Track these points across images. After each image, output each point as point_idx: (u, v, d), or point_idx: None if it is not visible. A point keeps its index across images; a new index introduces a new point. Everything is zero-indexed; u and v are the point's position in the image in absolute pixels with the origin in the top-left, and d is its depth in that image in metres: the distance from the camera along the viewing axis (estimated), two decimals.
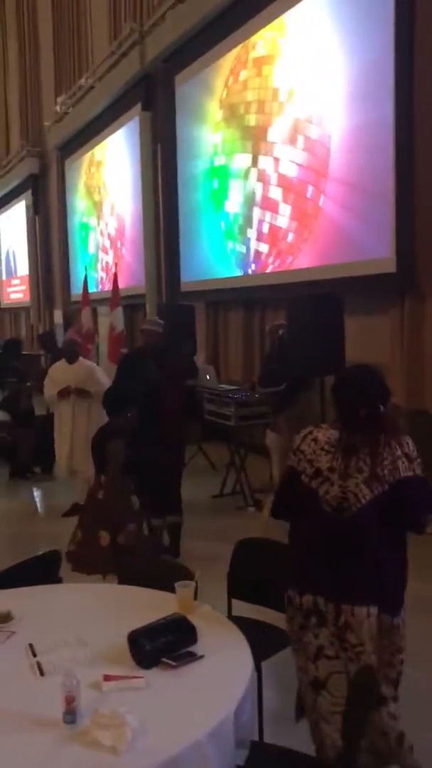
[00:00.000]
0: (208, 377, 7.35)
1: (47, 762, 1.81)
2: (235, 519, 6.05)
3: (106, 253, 13.04)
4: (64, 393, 6.20)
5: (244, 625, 2.57)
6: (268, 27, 7.68)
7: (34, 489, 7.76)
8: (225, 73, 8.60)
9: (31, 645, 2.39)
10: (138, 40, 10.30)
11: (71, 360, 6.36)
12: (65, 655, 2.31)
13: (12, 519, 6.85)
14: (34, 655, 2.33)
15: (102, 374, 6.51)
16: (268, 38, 7.72)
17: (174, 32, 9.28)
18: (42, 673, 2.23)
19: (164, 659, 2.25)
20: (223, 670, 2.24)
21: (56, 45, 14.84)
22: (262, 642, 2.71)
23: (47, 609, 2.73)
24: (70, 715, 1.94)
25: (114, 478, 3.96)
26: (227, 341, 9.20)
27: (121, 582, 3.08)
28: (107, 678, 2.15)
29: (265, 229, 7.92)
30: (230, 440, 6.72)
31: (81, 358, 6.49)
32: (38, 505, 7.44)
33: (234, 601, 3.22)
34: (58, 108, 14.17)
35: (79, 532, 3.94)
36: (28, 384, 8.24)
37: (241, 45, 8.23)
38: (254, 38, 7.96)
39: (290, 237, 7.49)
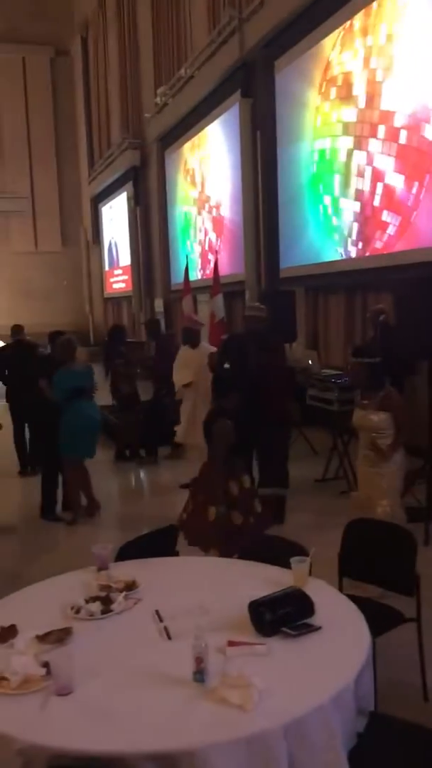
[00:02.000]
0: (310, 362, 7.37)
1: (181, 715, 1.95)
2: (340, 502, 6.07)
3: (207, 241, 13.21)
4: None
5: (357, 602, 2.63)
6: (371, 5, 7.53)
7: (141, 471, 8.03)
8: (325, 56, 8.52)
9: (157, 611, 2.55)
10: (237, 27, 10.34)
11: (194, 345, 6.66)
12: (189, 621, 2.45)
13: (118, 499, 7.14)
14: (161, 621, 2.49)
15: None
16: (372, 16, 7.58)
17: (273, 17, 9.27)
18: (170, 637, 2.38)
19: (284, 629, 2.35)
20: (341, 641, 2.32)
21: (155, 37, 15.08)
22: (375, 619, 2.75)
23: (170, 579, 2.89)
24: (200, 674, 2.07)
25: (219, 457, 4.08)
26: (328, 326, 9.17)
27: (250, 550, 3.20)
28: (231, 643, 2.27)
29: (368, 212, 7.82)
30: (333, 425, 6.72)
31: (203, 342, 6.82)
32: (144, 485, 7.73)
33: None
34: (158, 99, 14.42)
35: (190, 503, 4.11)
36: (132, 369, 8.52)
37: (341, 27, 8.11)
38: (355, 20, 7.83)
39: (395, 219, 7.36)
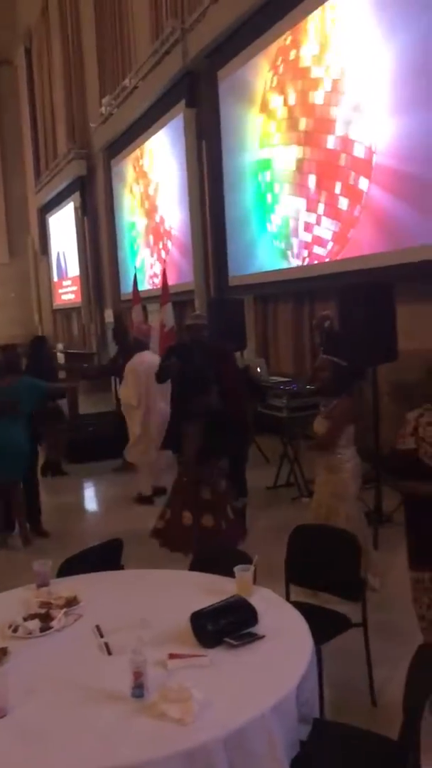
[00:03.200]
0: (259, 370, 7.38)
1: (118, 731, 1.90)
2: (290, 510, 6.09)
3: (154, 250, 13.18)
4: None
5: (303, 609, 2.62)
6: (309, 18, 7.65)
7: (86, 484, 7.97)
8: (267, 66, 8.61)
9: (97, 626, 2.50)
10: (180, 37, 10.36)
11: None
12: (131, 635, 2.40)
13: (62, 514, 7.03)
14: (101, 636, 2.44)
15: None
16: (309, 29, 7.69)
17: (215, 28, 9.32)
18: (110, 653, 2.33)
19: (226, 639, 2.32)
20: (284, 649, 2.30)
21: (99, 46, 15.03)
22: (321, 625, 2.75)
23: (112, 593, 2.83)
24: (138, 689, 2.03)
25: (190, 460, 4.04)
26: (276, 334, 9.23)
27: (195, 561, 3.17)
28: (172, 656, 2.23)
29: (312, 219, 7.91)
30: (283, 432, 6.74)
31: (148, 352, 6.78)
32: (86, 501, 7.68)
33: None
34: (103, 109, 14.35)
35: (168, 511, 4.06)
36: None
37: (282, 36, 8.22)
38: (296, 29, 7.94)
39: (337, 227, 7.46)
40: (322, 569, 3.20)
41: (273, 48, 8.44)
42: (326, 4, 7.33)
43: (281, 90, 8.36)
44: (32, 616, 2.54)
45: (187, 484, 3.98)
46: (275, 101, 8.51)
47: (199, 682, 2.04)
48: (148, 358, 6.79)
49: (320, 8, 7.44)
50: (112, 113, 13.99)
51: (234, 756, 1.88)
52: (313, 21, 7.61)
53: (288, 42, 8.15)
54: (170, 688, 2.00)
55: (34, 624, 2.48)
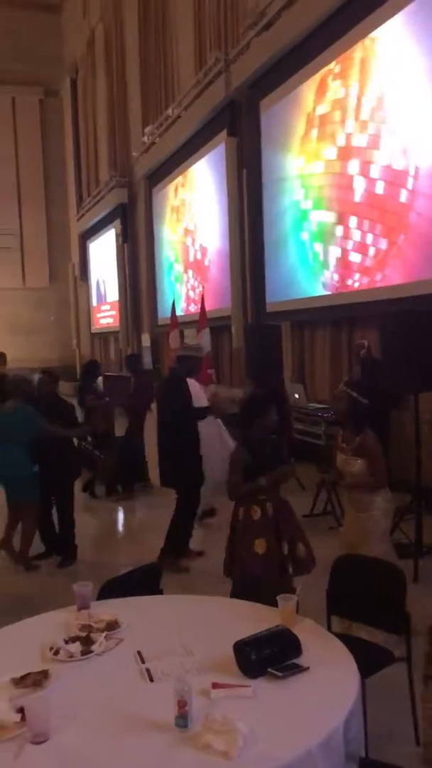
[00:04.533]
0: (297, 396, 7.34)
1: (161, 763, 1.86)
2: (327, 539, 5.98)
3: (193, 276, 13.28)
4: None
5: (345, 641, 2.56)
6: (351, 49, 7.72)
7: (119, 508, 7.95)
8: (310, 96, 8.68)
9: (139, 652, 2.46)
10: (223, 68, 10.54)
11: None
12: (173, 662, 2.37)
13: (99, 537, 7.02)
14: (143, 662, 2.40)
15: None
16: (352, 60, 7.75)
17: (259, 59, 9.46)
18: (152, 679, 2.29)
19: (270, 670, 2.27)
20: (330, 683, 2.24)
21: (143, 77, 15.36)
22: (364, 659, 2.68)
23: (152, 618, 2.80)
24: (182, 719, 1.98)
25: (237, 484, 3.96)
26: (314, 360, 9.18)
27: (235, 588, 3.12)
28: (215, 686, 2.19)
29: (351, 246, 7.89)
30: (320, 459, 6.66)
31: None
32: (125, 523, 7.65)
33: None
34: (145, 138, 14.62)
35: (237, 548, 3.94)
36: (108, 404, 8.45)
37: (325, 68, 8.29)
38: (338, 61, 8.01)
39: (378, 254, 7.43)
40: (366, 601, 3.13)
41: (316, 79, 8.51)
42: (370, 35, 7.38)
43: (323, 119, 8.42)
44: (73, 639, 2.51)
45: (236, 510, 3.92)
46: (317, 131, 8.56)
47: (243, 714, 1.99)
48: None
49: (363, 40, 7.50)
50: (154, 142, 14.24)
51: None
52: (356, 52, 7.67)
53: (331, 73, 8.21)
54: (214, 719, 1.96)
55: (76, 647, 2.46)
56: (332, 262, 8.32)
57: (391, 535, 5.38)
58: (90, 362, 10.22)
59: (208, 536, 6.55)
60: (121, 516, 7.86)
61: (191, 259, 13.28)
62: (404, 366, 5.14)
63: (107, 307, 19.63)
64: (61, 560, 5.88)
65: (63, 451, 5.81)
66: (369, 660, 2.82)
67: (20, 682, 2.24)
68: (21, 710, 2.03)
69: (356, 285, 7.87)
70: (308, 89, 8.70)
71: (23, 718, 2.01)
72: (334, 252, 8.25)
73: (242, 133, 10.52)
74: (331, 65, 8.16)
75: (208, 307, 10.15)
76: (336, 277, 8.27)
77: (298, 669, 2.28)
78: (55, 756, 1.90)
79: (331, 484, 6.47)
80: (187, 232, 13.46)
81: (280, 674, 2.24)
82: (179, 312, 11.91)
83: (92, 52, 19.54)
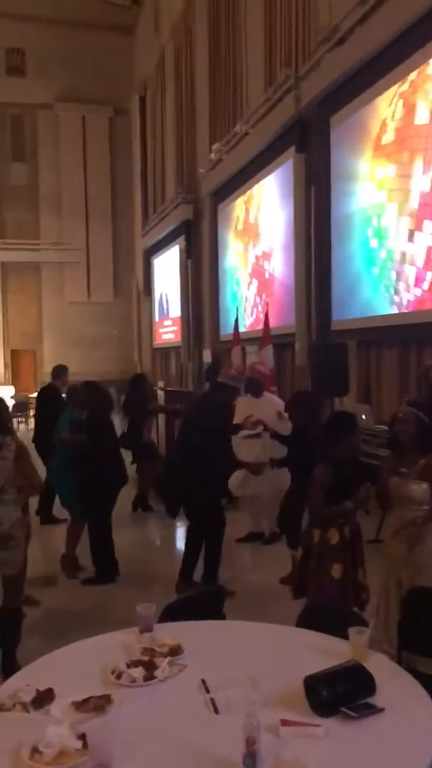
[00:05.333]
0: (363, 417, 7.14)
1: None
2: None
3: (256, 293, 13.22)
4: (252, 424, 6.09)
5: (419, 679, 2.40)
6: (427, 64, 7.55)
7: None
8: (382, 111, 8.54)
9: (203, 680, 2.35)
10: (293, 85, 10.50)
11: (257, 394, 6.53)
12: (238, 694, 2.25)
13: (151, 554, 6.95)
14: (207, 692, 2.30)
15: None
16: (427, 75, 7.58)
17: (331, 75, 9.37)
18: (217, 711, 2.18)
19: (343, 709, 2.13)
20: (408, 725, 2.09)
21: (212, 94, 15.49)
22: None
23: (217, 644, 2.69)
24: (251, 758, 1.86)
25: (320, 503, 3.81)
26: (380, 381, 8.96)
27: (301, 617, 2.99)
28: (285, 723, 2.06)
29: (423, 264, 7.68)
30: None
31: (266, 393, 6.67)
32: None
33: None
34: (212, 155, 14.70)
35: (309, 572, 3.80)
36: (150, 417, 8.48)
37: (398, 84, 8.15)
38: (412, 76, 7.85)
39: None
40: None
41: (388, 95, 8.37)
42: None
43: (396, 136, 8.26)
44: (135, 663, 2.42)
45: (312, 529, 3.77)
46: (389, 147, 8.40)
47: (315, 756, 1.87)
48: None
49: None
50: (221, 159, 14.30)
51: None
52: (430, 67, 7.51)
53: (404, 89, 8.06)
54: (285, 760, 1.84)
55: (138, 672, 2.37)
56: (402, 279, 8.12)
57: None
58: (137, 375, 10.20)
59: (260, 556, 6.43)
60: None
61: (255, 275, 13.23)
62: None
63: (169, 322, 19.76)
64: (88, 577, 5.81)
65: (91, 463, 5.73)
66: None
67: (81, 706, 2.16)
68: (82, 737, 1.96)
69: (427, 305, 7.63)
70: (381, 105, 8.56)
71: (85, 745, 1.93)
72: (405, 270, 8.04)
73: (311, 149, 10.43)
74: (404, 80, 8.01)
75: (271, 324, 10.07)
76: (406, 295, 8.06)
77: (374, 709, 2.14)
78: None
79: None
80: (252, 248, 13.42)
81: (354, 714, 2.10)
82: (242, 328, 11.86)
83: (162, 70, 19.85)
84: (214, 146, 14.57)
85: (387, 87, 8.36)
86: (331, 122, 9.88)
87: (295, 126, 10.75)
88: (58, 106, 22.90)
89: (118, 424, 7.97)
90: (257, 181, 12.78)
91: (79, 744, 1.94)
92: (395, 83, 8.18)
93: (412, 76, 7.85)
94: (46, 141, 23.24)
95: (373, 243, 8.79)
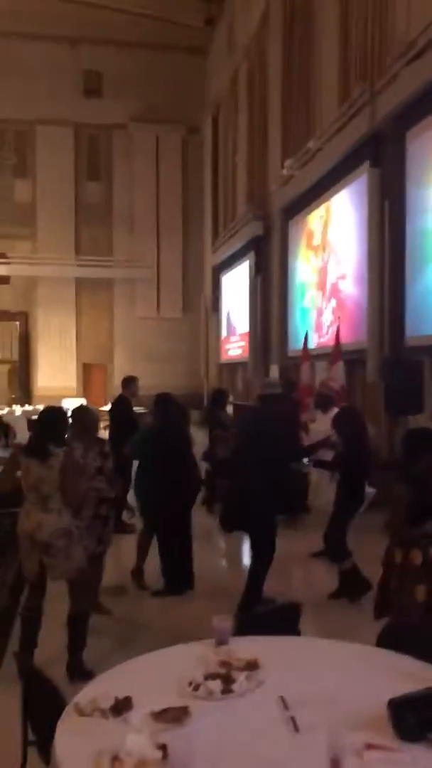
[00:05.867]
0: None
1: None
2: None
3: (327, 308, 13.10)
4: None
5: None
6: None
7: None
8: None
9: (282, 697, 2.30)
10: (368, 100, 10.41)
11: (325, 409, 6.51)
12: (318, 712, 2.19)
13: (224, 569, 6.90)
14: (287, 709, 2.24)
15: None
16: None
17: (407, 89, 9.24)
18: (297, 729, 2.12)
19: (430, 735, 2.03)
20: None
21: (284, 111, 15.53)
22: None
23: (294, 661, 2.63)
24: None
25: (397, 523, 3.71)
26: None
27: (382, 638, 2.90)
28: (369, 747, 1.98)
29: None
30: None
31: (335, 408, 6.66)
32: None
33: None
34: (284, 171, 14.70)
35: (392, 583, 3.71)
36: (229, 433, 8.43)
37: None
38: None
39: None
40: None
41: None
42: None
43: None
44: (213, 676, 2.39)
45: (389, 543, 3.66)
46: None
47: None
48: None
49: None
50: (293, 175, 14.29)
51: None
52: None
53: None
54: None
55: (216, 685, 2.33)
56: None
57: None
58: (217, 390, 10.26)
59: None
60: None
61: (327, 291, 13.11)
62: None
63: (236, 338, 19.80)
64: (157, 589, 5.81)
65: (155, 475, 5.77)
66: None
67: (160, 716, 2.14)
68: (162, 747, 1.93)
69: None
70: None
71: (165, 756, 1.90)
72: None
73: (386, 164, 10.29)
74: None
75: (342, 340, 9.94)
76: None
77: None
78: None
79: None
80: (323, 263, 13.33)
81: None
82: (311, 345, 11.76)
83: (235, 88, 20.07)
84: (287, 162, 14.56)
85: None
86: (407, 137, 9.73)
87: (370, 141, 10.64)
88: (133, 125, 23.42)
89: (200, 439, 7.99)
90: (329, 197, 12.70)
91: (158, 754, 1.92)
92: None
93: None
94: (121, 160, 23.79)
95: None
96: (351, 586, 5.43)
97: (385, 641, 2.82)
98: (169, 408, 6.12)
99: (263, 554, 5.26)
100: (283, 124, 15.55)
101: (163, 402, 6.12)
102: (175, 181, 24.17)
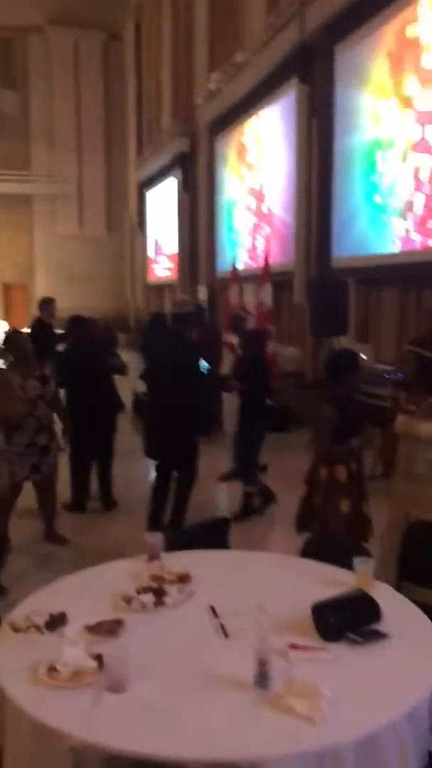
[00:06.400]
0: (363, 356, 7.13)
1: (244, 723, 1.81)
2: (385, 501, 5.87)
3: (254, 230, 13.02)
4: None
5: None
6: None
7: None
8: (390, 40, 8.24)
9: (212, 607, 2.41)
10: (297, 10, 10.08)
11: (239, 332, 6.63)
12: (246, 619, 2.30)
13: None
14: (217, 617, 2.35)
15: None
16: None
17: (336, 1, 8.99)
18: (227, 635, 2.24)
19: (349, 634, 2.19)
20: (413, 651, 2.16)
21: (210, 22, 14.88)
22: None
23: (224, 573, 2.75)
24: (263, 678, 1.92)
25: (326, 442, 3.85)
26: (379, 320, 8.93)
27: (305, 548, 3.06)
28: (294, 647, 2.12)
29: (426, 202, 7.55)
30: (385, 421, 6.49)
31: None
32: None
33: None
34: (211, 85, 14.22)
35: (315, 499, 3.88)
36: None
37: (404, 11, 7.83)
38: (418, 4, 7.54)
39: None
40: None
41: (395, 24, 8.06)
42: None
43: (400, 67, 7.99)
44: (145, 590, 2.48)
45: (312, 462, 3.85)
46: (394, 79, 8.15)
47: (323, 679, 1.92)
48: None
49: None
50: (219, 89, 13.84)
51: (363, 764, 1.75)
52: None
53: (410, 18, 7.76)
54: (296, 681, 1.90)
55: (148, 598, 2.42)
56: (404, 218, 7.99)
57: None
58: (157, 314, 10.09)
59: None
60: None
61: (254, 211, 12.99)
62: None
63: (163, 258, 19.50)
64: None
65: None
66: None
67: (94, 629, 2.21)
68: (97, 657, 2.01)
69: (429, 244, 7.55)
70: (388, 33, 8.25)
71: (100, 666, 1.98)
72: (407, 207, 7.91)
73: (315, 80, 10.09)
74: (411, 9, 7.70)
75: (271, 261, 9.95)
76: (407, 234, 7.95)
77: (379, 635, 2.20)
78: (134, 706, 1.86)
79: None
80: (250, 183, 13.15)
81: (360, 640, 2.17)
82: (239, 266, 11.72)
83: None
84: (213, 76, 14.08)
85: (392, 17, 8.04)
86: (336, 50, 9.53)
87: (299, 55, 10.36)
88: (50, 29, 21.98)
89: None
90: (257, 113, 12.41)
91: (94, 664, 1.99)
92: (400, 12, 7.86)
93: (416, 5, 7.54)
94: (38, 67, 22.41)
95: (376, 180, 8.62)
96: (250, 507, 5.63)
97: (308, 552, 2.98)
98: (77, 331, 6.08)
99: (190, 480, 5.27)
100: (210, 34, 14.94)
101: (72, 325, 6.08)
102: (97, 92, 23.03)
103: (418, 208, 7.71)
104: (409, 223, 7.90)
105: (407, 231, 7.95)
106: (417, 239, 7.78)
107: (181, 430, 5.04)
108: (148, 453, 5.32)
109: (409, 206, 7.87)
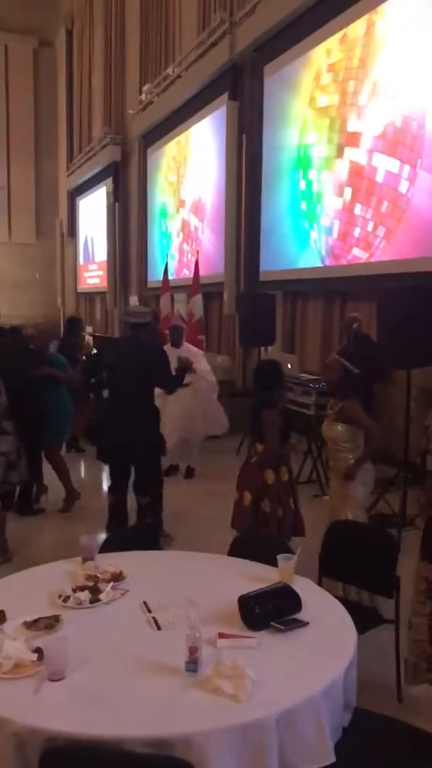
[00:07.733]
0: (289, 366, 7.42)
1: (173, 701, 1.97)
2: (311, 506, 6.13)
3: (185, 241, 13.23)
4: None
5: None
6: (362, 18, 7.65)
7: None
8: (316, 63, 8.61)
9: (145, 602, 2.56)
10: (228, 30, 10.37)
11: (178, 345, 6.71)
12: (178, 613, 2.47)
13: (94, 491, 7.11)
14: (149, 611, 2.50)
15: (205, 361, 6.85)
16: (362, 29, 7.69)
17: (265, 23, 9.31)
18: (159, 628, 2.39)
19: (273, 623, 2.38)
20: (329, 636, 2.36)
21: (143, 34, 15.03)
22: (355, 619, 2.80)
23: (156, 571, 2.90)
24: (193, 663, 2.09)
25: (272, 445, 4.17)
26: (305, 331, 9.25)
27: (233, 547, 3.25)
28: (221, 635, 2.29)
29: (349, 219, 7.92)
30: (309, 429, 6.79)
31: (186, 343, 6.88)
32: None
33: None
34: (143, 97, 14.37)
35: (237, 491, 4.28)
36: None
37: (334, 35, 8.21)
38: (348, 29, 7.94)
39: (376, 228, 7.47)
40: (357, 564, 3.26)
41: (323, 46, 8.43)
42: (381, 6, 7.32)
43: (327, 89, 8.36)
44: (81, 588, 2.60)
45: (255, 467, 4.19)
46: (321, 100, 8.51)
47: (249, 663, 2.10)
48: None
49: (374, 9, 7.43)
50: (152, 101, 14.01)
51: (284, 736, 1.93)
52: (365, 22, 7.61)
53: (337, 42, 8.14)
54: (225, 664, 2.06)
55: (84, 595, 2.55)
56: (329, 233, 8.35)
57: (374, 506, 5.57)
58: (72, 318, 10.27)
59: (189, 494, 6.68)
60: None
61: (185, 222, 13.20)
62: (400, 341, 5.23)
63: (94, 266, 19.47)
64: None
65: None
66: (359, 620, 2.95)
67: (33, 625, 2.33)
68: (37, 650, 2.13)
69: (353, 259, 7.91)
70: (315, 56, 8.62)
71: (40, 658, 2.10)
72: (332, 223, 8.27)
73: (244, 98, 10.40)
74: (339, 33, 8.09)
75: (201, 273, 10.15)
76: (332, 249, 8.31)
77: (299, 623, 2.40)
78: (73, 692, 1.99)
79: (318, 453, 6.64)
80: (182, 195, 13.35)
81: (282, 627, 2.36)
82: (172, 275, 11.88)
83: (91, 2, 19.05)
84: (145, 87, 14.25)
85: (323, 38, 8.40)
86: (265, 71, 9.86)
87: (229, 72, 10.66)
88: None
89: None
90: (189, 127, 12.64)
91: (34, 657, 2.11)
92: (331, 34, 8.23)
93: (345, 30, 7.93)
94: None
95: (303, 196, 8.96)
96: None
97: (235, 550, 3.16)
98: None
99: (156, 485, 5.16)
100: (142, 46, 15.08)
101: None
102: (27, 97, 22.74)
103: (341, 224, 8.07)
104: (333, 238, 8.25)
105: (331, 246, 8.31)
106: (340, 254, 8.14)
107: (142, 428, 5.03)
108: (102, 456, 5.39)
109: (332, 222, 8.23)
